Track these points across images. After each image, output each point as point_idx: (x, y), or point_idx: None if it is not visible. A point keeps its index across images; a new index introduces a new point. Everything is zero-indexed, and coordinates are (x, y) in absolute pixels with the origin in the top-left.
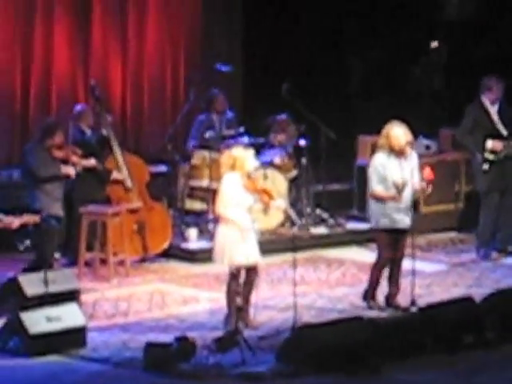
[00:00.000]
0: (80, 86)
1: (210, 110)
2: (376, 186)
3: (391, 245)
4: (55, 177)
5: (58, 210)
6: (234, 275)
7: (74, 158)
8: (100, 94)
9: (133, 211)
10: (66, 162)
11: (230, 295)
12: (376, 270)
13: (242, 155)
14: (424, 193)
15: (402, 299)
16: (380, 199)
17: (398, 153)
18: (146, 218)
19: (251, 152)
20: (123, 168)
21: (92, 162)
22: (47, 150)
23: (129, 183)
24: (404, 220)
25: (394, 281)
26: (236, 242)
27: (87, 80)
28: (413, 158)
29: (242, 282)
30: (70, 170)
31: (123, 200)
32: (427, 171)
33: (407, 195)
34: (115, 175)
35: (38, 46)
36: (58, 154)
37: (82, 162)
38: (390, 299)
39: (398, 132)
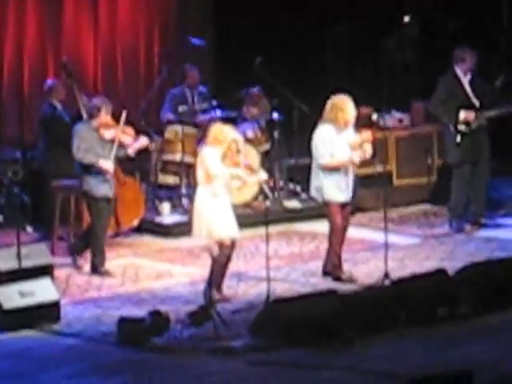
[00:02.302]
0: (51, 62)
1: (183, 83)
2: (327, 159)
3: (341, 213)
4: (92, 165)
5: (106, 191)
6: (224, 249)
7: (124, 139)
8: (72, 70)
9: None
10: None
11: (216, 269)
12: (335, 239)
13: (231, 135)
14: (365, 154)
15: (375, 273)
16: (333, 169)
17: (344, 126)
18: (119, 192)
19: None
20: None
21: (144, 141)
22: (95, 130)
23: None
24: (349, 190)
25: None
26: (218, 214)
27: (59, 56)
28: (351, 132)
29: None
30: (108, 166)
31: None
32: (366, 133)
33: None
34: None
35: (10, 23)
36: (107, 134)
37: (134, 144)
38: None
39: (350, 106)
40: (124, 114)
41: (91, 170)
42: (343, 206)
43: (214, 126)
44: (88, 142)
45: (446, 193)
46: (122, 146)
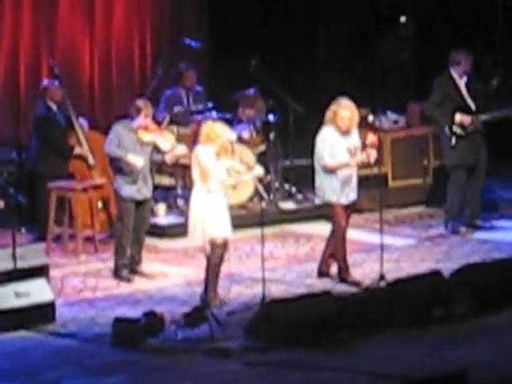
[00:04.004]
0: (46, 63)
1: (179, 84)
2: (329, 159)
3: (344, 215)
4: (122, 159)
5: (132, 192)
6: (217, 248)
7: (162, 145)
8: (59, 72)
9: (96, 187)
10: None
11: (211, 269)
12: (339, 242)
13: (224, 132)
14: (369, 158)
15: (371, 274)
16: (333, 171)
17: (342, 130)
18: (111, 193)
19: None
20: (85, 145)
21: (182, 150)
22: (133, 131)
23: (91, 160)
24: (352, 194)
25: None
26: (212, 214)
27: (54, 57)
28: (355, 137)
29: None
30: (137, 161)
31: (86, 176)
32: (370, 137)
33: (352, 171)
34: (77, 150)
35: (5, 22)
36: (144, 137)
37: (171, 152)
38: (342, 274)
39: (344, 114)
40: (167, 119)
41: (120, 168)
42: (345, 208)
43: (205, 124)
44: (122, 142)
45: (441, 194)
46: (158, 151)
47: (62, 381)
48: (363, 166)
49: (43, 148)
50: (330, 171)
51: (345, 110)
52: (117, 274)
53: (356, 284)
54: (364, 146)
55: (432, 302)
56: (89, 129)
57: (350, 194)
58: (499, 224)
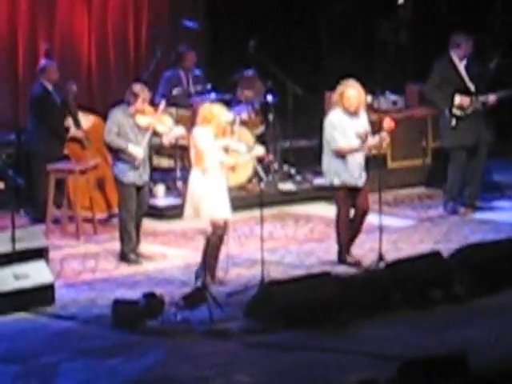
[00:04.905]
0: (44, 44)
1: (178, 66)
2: (340, 142)
3: (349, 200)
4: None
5: (134, 178)
6: (217, 229)
7: (159, 128)
8: (56, 56)
9: (93, 168)
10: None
11: (210, 249)
12: (341, 227)
13: (221, 113)
14: (382, 142)
15: (370, 255)
16: (344, 154)
17: (350, 113)
18: (107, 174)
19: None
20: (79, 126)
21: (179, 131)
22: (131, 116)
23: (86, 142)
24: (362, 176)
25: (352, 237)
26: (213, 195)
27: (52, 38)
28: (363, 119)
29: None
30: (137, 152)
31: (81, 157)
32: (387, 121)
33: (362, 155)
34: (73, 132)
35: (3, 5)
36: (142, 121)
37: (169, 134)
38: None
39: (351, 93)
40: (163, 103)
41: (120, 155)
42: (357, 190)
43: (202, 105)
44: (121, 127)
45: (440, 175)
46: (156, 134)
47: (62, 363)
48: (375, 148)
49: (39, 128)
50: (341, 154)
51: (351, 89)
52: (125, 259)
53: (355, 265)
54: (379, 130)
55: (431, 283)
56: (84, 110)
57: (359, 176)
58: (498, 204)
